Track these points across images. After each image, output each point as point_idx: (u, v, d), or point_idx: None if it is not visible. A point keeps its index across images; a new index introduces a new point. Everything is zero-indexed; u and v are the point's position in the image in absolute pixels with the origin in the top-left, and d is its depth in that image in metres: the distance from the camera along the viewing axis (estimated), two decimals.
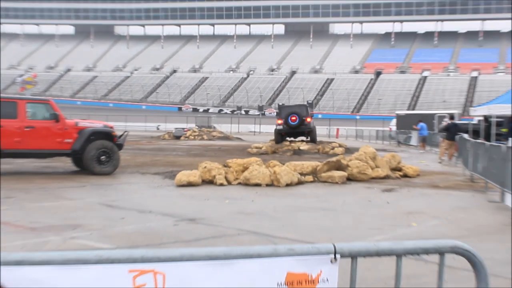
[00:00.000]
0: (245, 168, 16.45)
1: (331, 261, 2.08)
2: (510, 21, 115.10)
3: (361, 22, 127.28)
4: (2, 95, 18.88)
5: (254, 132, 72.14)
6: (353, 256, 2.18)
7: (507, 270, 6.72)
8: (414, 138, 42.72)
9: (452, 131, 26.08)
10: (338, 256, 2.09)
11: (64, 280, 1.81)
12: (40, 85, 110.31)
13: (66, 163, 19.52)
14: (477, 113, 29.10)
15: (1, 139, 16.89)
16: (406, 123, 49.17)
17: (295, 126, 34.58)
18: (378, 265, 6.65)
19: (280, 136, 35.34)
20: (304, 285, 2.04)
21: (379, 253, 2.24)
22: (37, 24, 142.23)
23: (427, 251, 2.31)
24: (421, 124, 39.52)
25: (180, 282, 1.90)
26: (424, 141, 39.47)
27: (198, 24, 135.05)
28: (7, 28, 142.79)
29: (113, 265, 1.85)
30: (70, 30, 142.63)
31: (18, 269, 1.79)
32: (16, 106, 17.42)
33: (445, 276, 2.41)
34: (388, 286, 5.54)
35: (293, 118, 33.77)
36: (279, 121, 34.77)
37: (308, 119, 34.56)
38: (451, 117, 30.18)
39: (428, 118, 43.29)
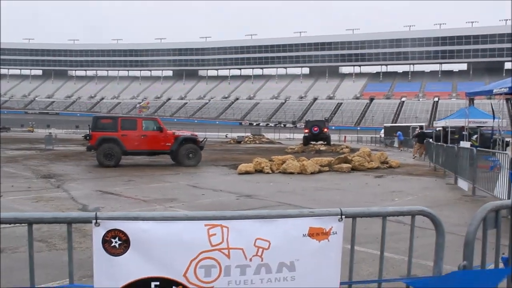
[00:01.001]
0: (283, 162, 16.42)
1: (339, 220, 2.06)
2: (459, 64, 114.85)
3: (360, 66, 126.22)
4: (127, 115, 19.44)
5: (289, 138, 71.84)
6: (354, 217, 2.16)
7: (458, 229, 6.57)
8: (395, 142, 42.86)
9: (421, 137, 26.77)
10: (343, 216, 2.07)
11: (163, 230, 1.83)
12: (151, 109, 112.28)
13: (167, 159, 19.78)
14: (438, 125, 28.68)
15: (126, 143, 17.32)
16: (390, 131, 49.17)
17: (316, 134, 36.21)
18: (372, 226, 6.56)
19: (306, 140, 36.56)
20: (321, 236, 2.02)
21: (370, 215, 2.21)
22: (149, 70, 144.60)
23: (402, 214, 2.27)
24: (399, 132, 42.03)
25: (238, 232, 1.90)
26: (401, 143, 40.19)
27: (252, 68, 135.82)
28: (132, 73, 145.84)
29: (194, 221, 1.87)
30: (170, 73, 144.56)
31: (134, 223, 1.82)
32: (136, 122, 17.82)
33: (416, 233, 2.36)
34: (379, 240, 5.48)
35: (315, 128, 35.62)
36: (306, 131, 36.70)
37: (325, 130, 36.40)
38: (421, 127, 30.16)
39: (405, 128, 43.52)
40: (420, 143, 26.47)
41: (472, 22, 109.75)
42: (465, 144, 14.61)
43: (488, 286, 2.27)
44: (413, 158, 25.28)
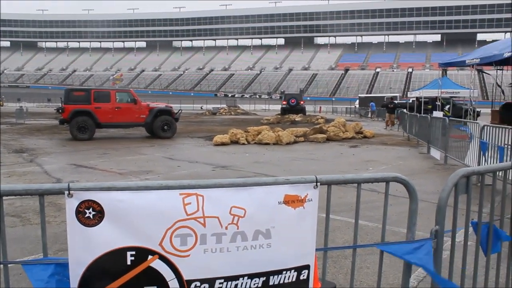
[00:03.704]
0: (259, 133, 16.44)
1: (314, 187, 2.07)
2: (433, 35, 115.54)
3: (335, 36, 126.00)
4: (100, 88, 19.04)
5: (265, 109, 71.77)
6: (329, 184, 2.17)
7: (430, 197, 6.73)
8: (370, 112, 43.42)
9: (388, 107, 27.24)
10: (318, 184, 2.08)
11: (137, 200, 1.81)
12: (124, 81, 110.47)
13: (141, 131, 19.60)
14: (412, 95, 29.01)
15: (100, 115, 17.08)
16: (365, 102, 49.50)
17: (293, 106, 38.80)
18: (346, 195, 6.67)
19: (284, 111, 38.64)
20: (296, 203, 2.03)
21: (346, 182, 2.22)
22: (122, 42, 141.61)
23: (377, 180, 2.29)
24: (372, 103, 43.58)
25: (213, 200, 1.90)
26: (373, 113, 41.68)
27: (227, 39, 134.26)
28: (106, 44, 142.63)
29: (169, 190, 1.86)
30: (143, 44, 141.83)
31: (108, 193, 1.80)
32: (109, 95, 17.54)
33: (390, 201, 2.39)
34: (353, 209, 5.57)
35: (293, 100, 38.82)
36: (284, 102, 39.28)
37: (302, 102, 38.06)
38: (391, 98, 30.41)
39: (380, 99, 43.76)
40: (390, 113, 26.75)
41: None
42: (438, 114, 14.82)
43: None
44: (385, 129, 25.53)
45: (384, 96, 46.23)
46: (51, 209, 5.90)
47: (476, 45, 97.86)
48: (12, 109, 41.45)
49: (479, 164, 8.07)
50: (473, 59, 14.20)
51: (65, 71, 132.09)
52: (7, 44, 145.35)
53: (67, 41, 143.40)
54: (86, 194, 1.78)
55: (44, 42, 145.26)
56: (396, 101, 30.72)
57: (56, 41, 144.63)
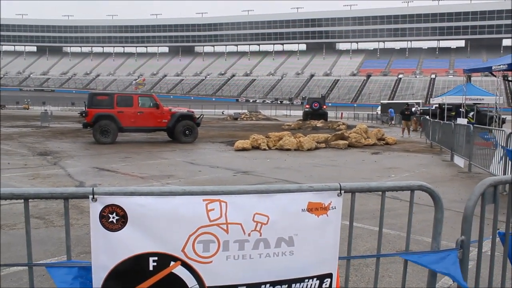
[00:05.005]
0: (280, 138, 16.42)
1: (338, 195, 2.05)
2: (457, 41, 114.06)
3: (357, 42, 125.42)
4: (123, 92, 19.29)
5: (286, 115, 71.70)
6: (352, 191, 2.14)
7: (454, 205, 6.62)
8: (389, 119, 43.25)
9: (404, 114, 26.32)
10: (342, 191, 2.05)
11: (161, 205, 1.82)
12: (147, 86, 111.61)
13: (163, 136, 19.74)
14: (435, 102, 28.65)
15: (122, 119, 17.26)
16: (387, 108, 48.97)
17: (316, 110, 39.92)
18: (368, 202, 6.60)
19: (306, 115, 40.18)
20: (320, 211, 2.01)
21: (370, 190, 2.19)
22: (145, 47, 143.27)
23: (402, 189, 2.25)
24: (390, 109, 43.58)
25: (237, 207, 1.89)
26: (392, 120, 41.63)
27: (249, 44, 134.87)
28: (129, 49, 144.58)
29: (192, 196, 1.85)
30: (166, 49, 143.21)
31: (131, 198, 1.81)
32: (132, 99, 17.73)
33: (414, 209, 2.35)
34: (375, 216, 5.47)
35: (316, 104, 39.28)
36: (307, 106, 40.21)
37: (324, 106, 39.04)
38: (407, 104, 29.62)
39: (402, 105, 43.25)
40: (406, 120, 26.13)
41: None
42: (461, 121, 14.60)
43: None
44: (401, 136, 24.52)
45: (406, 103, 45.80)
46: (74, 212, 5.97)
47: (501, 51, 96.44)
48: (37, 113, 42.26)
49: (505, 173, 7.91)
50: (499, 65, 13.96)
51: (89, 76, 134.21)
52: (34, 49, 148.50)
53: (92, 46, 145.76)
54: (110, 198, 1.79)
55: (69, 47, 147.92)
56: (415, 108, 30.11)
57: (81, 46, 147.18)
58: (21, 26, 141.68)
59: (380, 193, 2.24)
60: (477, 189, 2.30)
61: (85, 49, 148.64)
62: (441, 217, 2.24)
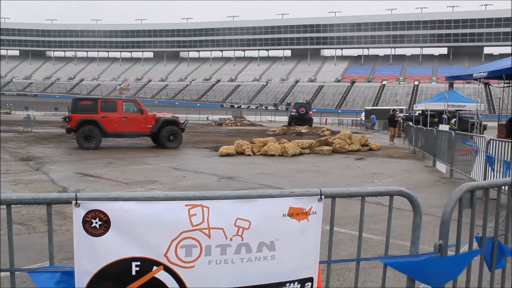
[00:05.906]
0: (265, 144, 16.46)
1: (318, 200, 2.08)
2: (439, 48, 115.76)
3: (341, 48, 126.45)
4: (107, 97, 19.18)
5: (271, 120, 71.81)
6: (333, 197, 2.18)
7: (435, 211, 6.71)
8: (376, 125, 43.46)
9: (392, 120, 26.30)
10: (323, 197, 2.09)
11: (144, 211, 1.83)
12: (131, 91, 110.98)
13: (147, 141, 19.66)
14: (418, 108, 28.95)
15: (106, 125, 17.16)
16: (371, 115, 49.38)
17: (302, 114, 40.57)
18: (351, 208, 6.66)
19: (291, 119, 41.20)
20: (301, 215, 2.05)
21: (350, 195, 2.23)
22: (130, 52, 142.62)
23: (381, 194, 2.29)
24: (372, 115, 45.27)
25: (219, 212, 1.91)
26: (374, 125, 42.97)
27: (234, 50, 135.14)
28: (113, 54, 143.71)
29: (175, 201, 1.88)
30: (150, 55, 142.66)
31: (115, 203, 1.82)
32: (116, 104, 17.65)
33: (394, 214, 2.40)
34: (358, 221, 5.57)
35: (302, 109, 39.78)
36: (293, 110, 41.83)
37: (310, 112, 40.18)
38: (392, 110, 29.68)
39: (385, 112, 43.69)
40: (393, 127, 26.01)
41: (453, 7, 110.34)
42: (444, 127, 14.80)
43: (460, 268, 2.36)
44: (391, 143, 24.59)
45: (390, 109, 46.18)
46: (57, 218, 5.92)
47: (482, 59, 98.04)
48: (20, 117, 41.73)
49: (485, 178, 8.04)
50: (480, 72, 14.22)
51: (73, 80, 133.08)
52: (16, 53, 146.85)
53: (75, 51, 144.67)
54: (93, 204, 1.81)
55: (52, 51, 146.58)
56: (398, 114, 29.92)
57: (65, 51, 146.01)
58: (3, 29, 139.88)
59: (361, 198, 2.29)
60: (455, 195, 2.35)
61: (69, 54, 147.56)
62: (420, 221, 2.29)
